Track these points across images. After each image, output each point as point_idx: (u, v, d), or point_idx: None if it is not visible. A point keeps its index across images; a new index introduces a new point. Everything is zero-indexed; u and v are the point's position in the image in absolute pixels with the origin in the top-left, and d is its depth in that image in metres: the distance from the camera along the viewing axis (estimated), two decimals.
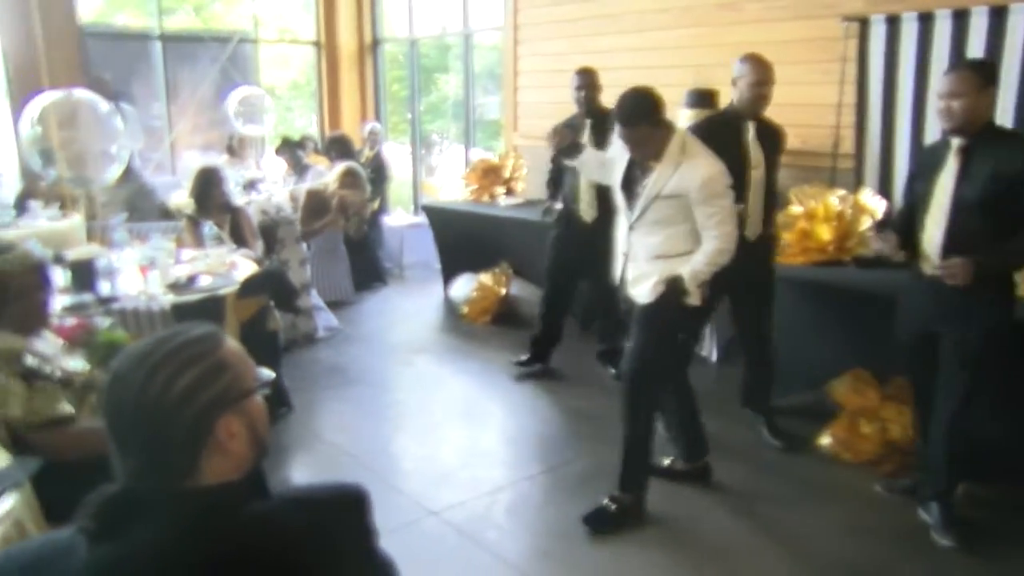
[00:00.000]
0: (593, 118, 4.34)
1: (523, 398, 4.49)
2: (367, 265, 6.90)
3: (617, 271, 3.22)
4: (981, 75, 2.76)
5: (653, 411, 3.19)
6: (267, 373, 1.18)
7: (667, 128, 2.96)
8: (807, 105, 3.97)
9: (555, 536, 3.11)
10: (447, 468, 3.64)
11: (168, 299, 3.44)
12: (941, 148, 2.92)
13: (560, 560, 2.95)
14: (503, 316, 5.89)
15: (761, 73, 3.41)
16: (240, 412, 1.09)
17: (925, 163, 3.01)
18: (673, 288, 2.96)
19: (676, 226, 2.97)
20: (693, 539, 3.06)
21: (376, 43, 8.94)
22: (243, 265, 3.95)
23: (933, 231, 2.87)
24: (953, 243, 2.80)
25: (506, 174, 6.55)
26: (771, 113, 3.56)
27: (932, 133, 4.04)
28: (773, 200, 3.65)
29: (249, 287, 3.73)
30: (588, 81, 4.38)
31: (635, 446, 3.14)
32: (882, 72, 4.24)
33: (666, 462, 3.48)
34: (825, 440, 3.73)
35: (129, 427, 1.06)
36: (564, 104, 4.59)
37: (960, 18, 3.91)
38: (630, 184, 3.06)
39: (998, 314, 2.85)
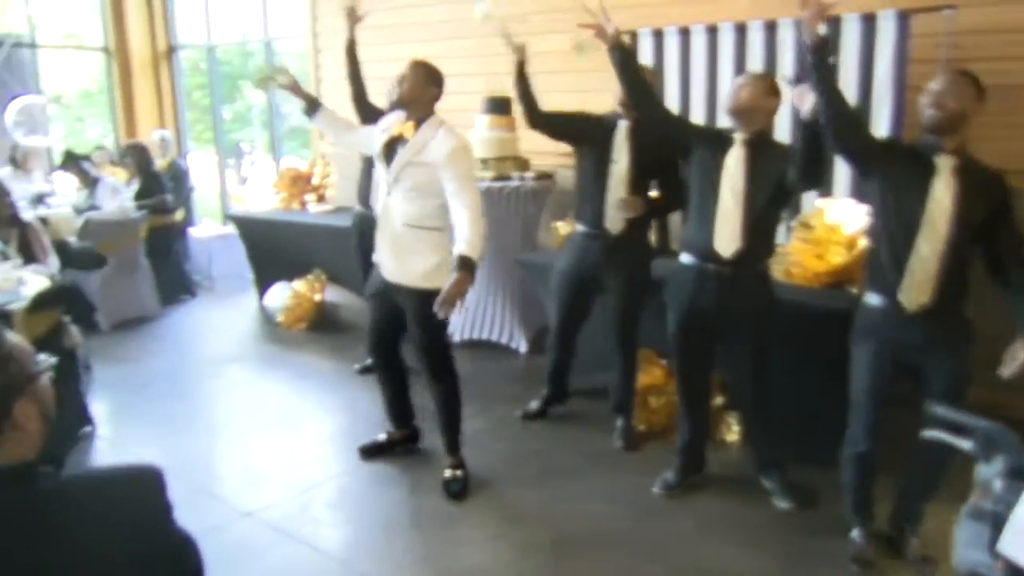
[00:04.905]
0: None
1: (339, 399, 4.58)
2: (174, 278, 6.70)
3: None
4: (772, 83, 3.09)
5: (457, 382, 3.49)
6: (49, 358, 1.25)
7: (432, 94, 3.27)
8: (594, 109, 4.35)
9: (373, 525, 3.26)
10: (262, 471, 3.68)
11: None
12: (726, 143, 3.12)
13: (377, 545, 3.10)
14: (320, 322, 5.94)
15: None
16: (31, 395, 1.18)
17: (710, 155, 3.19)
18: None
19: (430, 199, 3.23)
20: (494, 513, 3.31)
21: (172, 50, 8.62)
22: (33, 281, 3.77)
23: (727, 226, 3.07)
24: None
25: (315, 181, 6.57)
26: None
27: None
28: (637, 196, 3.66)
29: (41, 302, 3.58)
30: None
31: (458, 415, 3.51)
32: None
33: (383, 437, 3.81)
34: None
35: None
36: None
37: (712, 33, 4.46)
38: (391, 152, 3.32)
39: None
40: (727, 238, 3.06)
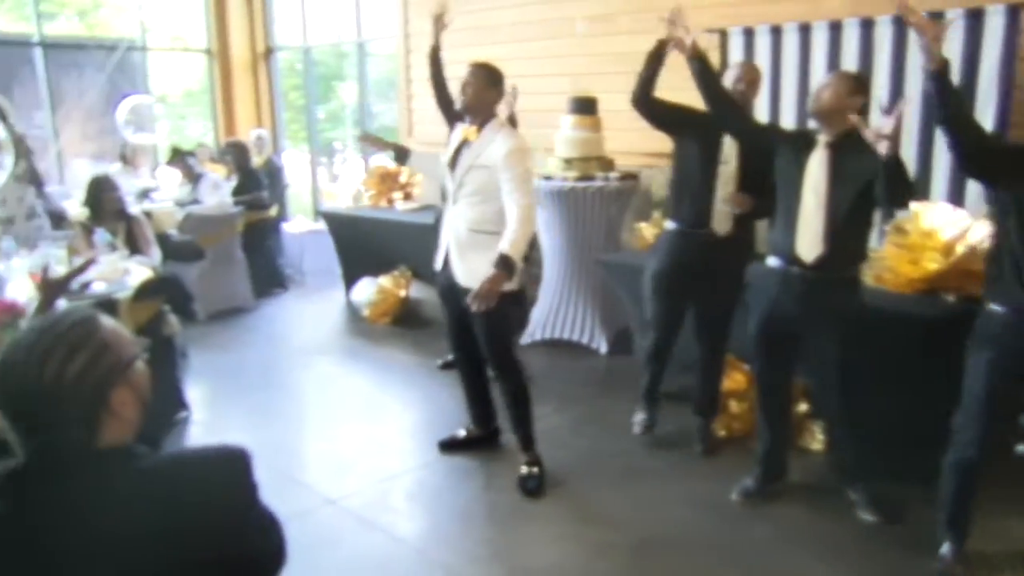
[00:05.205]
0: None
1: (420, 393, 4.68)
2: (267, 271, 6.95)
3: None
4: (855, 82, 2.99)
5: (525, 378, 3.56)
6: (144, 340, 1.33)
7: (494, 96, 3.35)
8: None
9: (450, 516, 3.32)
10: (346, 460, 3.79)
11: (61, 305, 3.46)
12: (811, 144, 3.03)
13: (453, 536, 3.17)
14: (404, 317, 6.07)
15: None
16: (127, 381, 1.25)
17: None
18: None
19: (491, 202, 3.28)
20: (569, 511, 3.32)
21: (269, 51, 8.95)
22: (137, 271, 3.99)
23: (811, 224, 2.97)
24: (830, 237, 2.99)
25: (403, 179, 6.72)
26: None
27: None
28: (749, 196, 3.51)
29: (144, 292, 3.79)
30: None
31: (528, 412, 3.54)
32: None
33: (462, 432, 3.88)
34: None
35: (30, 411, 1.20)
36: None
37: (805, 32, 4.35)
38: (456, 159, 3.39)
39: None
40: (809, 242, 2.97)
